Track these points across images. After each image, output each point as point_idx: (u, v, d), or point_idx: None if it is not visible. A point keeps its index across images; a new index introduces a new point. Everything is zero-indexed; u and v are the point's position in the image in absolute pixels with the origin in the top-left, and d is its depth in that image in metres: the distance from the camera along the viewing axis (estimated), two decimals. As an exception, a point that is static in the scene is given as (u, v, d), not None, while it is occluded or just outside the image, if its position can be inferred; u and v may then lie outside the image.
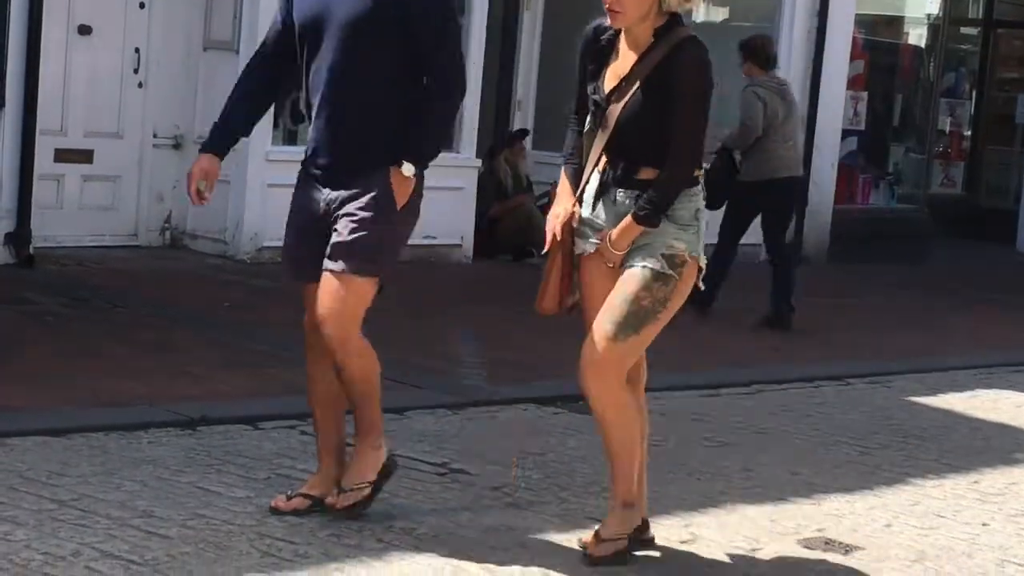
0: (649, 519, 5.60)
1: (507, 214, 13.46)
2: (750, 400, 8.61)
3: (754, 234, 11.74)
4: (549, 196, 13.71)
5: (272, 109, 11.69)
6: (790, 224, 11.68)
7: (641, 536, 5.46)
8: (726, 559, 5.51)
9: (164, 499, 5.57)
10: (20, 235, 10.68)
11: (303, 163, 5.78)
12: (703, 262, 5.42)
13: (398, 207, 5.48)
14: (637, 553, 5.46)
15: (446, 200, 12.96)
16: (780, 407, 8.46)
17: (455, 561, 5.17)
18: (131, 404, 7.02)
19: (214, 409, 6.99)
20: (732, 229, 11.23)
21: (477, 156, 13.14)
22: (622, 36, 5.37)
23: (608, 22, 5.36)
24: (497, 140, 13.85)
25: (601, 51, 5.42)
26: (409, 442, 6.81)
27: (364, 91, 5.46)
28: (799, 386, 9.13)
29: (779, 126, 11.01)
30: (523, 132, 14.16)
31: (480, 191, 13.18)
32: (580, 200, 5.54)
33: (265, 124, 11.77)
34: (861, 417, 8.38)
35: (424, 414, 7.44)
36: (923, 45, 17.81)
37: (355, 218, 5.42)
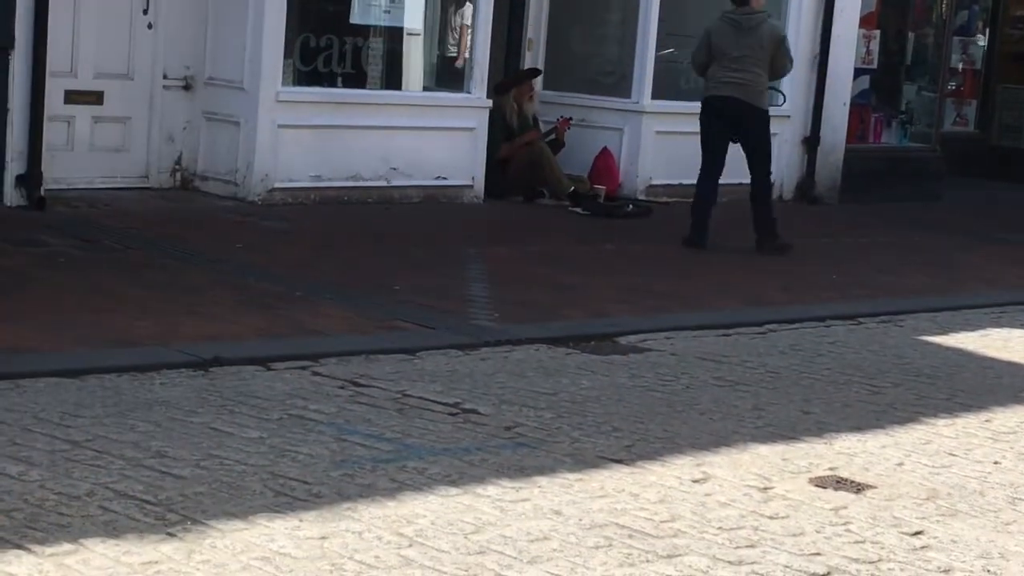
0: (661, 459, 5.60)
1: (517, 153, 13.41)
2: (761, 340, 8.60)
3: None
4: (556, 133, 13.79)
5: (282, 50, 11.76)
6: (758, 145, 11.86)
7: None
8: (738, 497, 5.52)
9: (177, 440, 5.59)
10: (31, 177, 10.68)
11: None
12: None
13: None
14: (647, 493, 5.47)
15: (457, 140, 12.97)
16: (791, 347, 8.46)
17: (467, 500, 5.18)
18: (144, 345, 7.04)
19: (227, 350, 7.00)
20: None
21: (488, 96, 13.09)
22: None
23: None
24: (505, 77, 13.78)
25: None
26: (421, 383, 6.82)
27: None
28: (810, 326, 9.13)
29: (724, 53, 11.59)
30: (535, 72, 14.08)
31: (489, 130, 13.14)
32: None
33: (275, 65, 11.75)
34: (872, 356, 8.38)
35: (436, 355, 7.45)
36: (936, -18, 17.68)
37: None
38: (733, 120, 11.66)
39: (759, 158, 11.81)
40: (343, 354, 7.21)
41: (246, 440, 5.67)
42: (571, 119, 13.85)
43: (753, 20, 11.64)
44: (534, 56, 14.53)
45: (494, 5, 13.03)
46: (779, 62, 11.66)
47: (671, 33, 14.54)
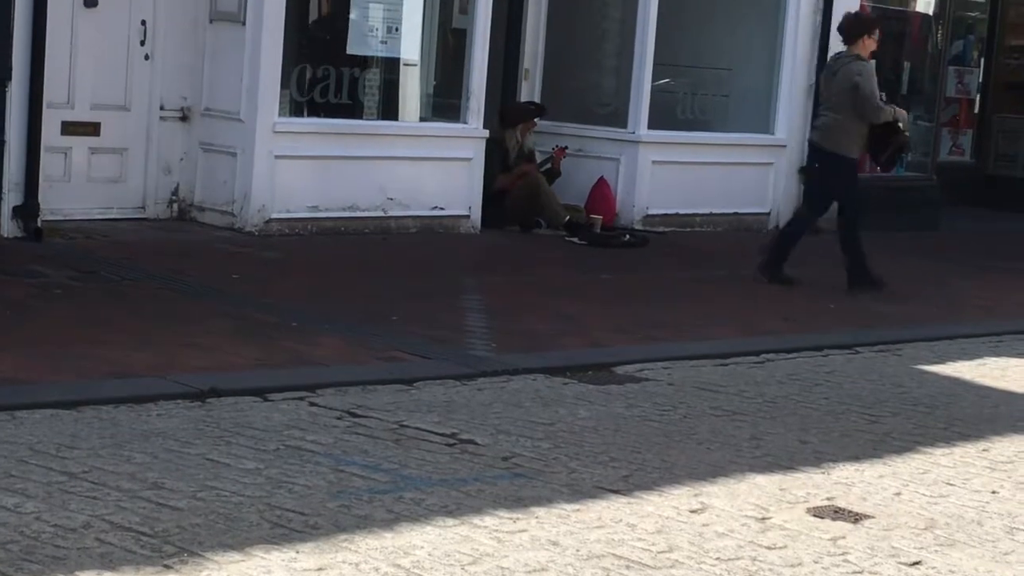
0: (658, 489, 5.59)
1: (514, 184, 13.43)
2: (759, 370, 8.60)
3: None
4: (552, 162, 13.80)
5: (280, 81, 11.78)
6: (814, 189, 12.01)
7: None
8: (736, 528, 5.51)
9: (174, 471, 5.58)
10: (28, 208, 10.69)
11: None
12: None
13: None
14: (645, 523, 5.46)
15: (454, 171, 12.99)
16: (789, 376, 8.45)
17: (464, 531, 5.17)
18: (141, 376, 7.03)
19: (223, 381, 7.00)
20: None
21: (484, 127, 13.10)
22: None
23: None
24: (509, 109, 13.81)
25: None
26: (418, 413, 6.81)
27: None
28: (808, 355, 9.12)
29: (823, 98, 11.83)
30: (542, 109, 14.08)
31: (487, 160, 13.16)
32: None
33: (271, 96, 11.77)
34: (870, 386, 8.37)
35: (433, 385, 7.44)
36: (931, 12, 17.72)
37: None
38: (812, 163, 11.86)
39: (841, 203, 11.72)
40: (340, 385, 7.20)
41: (243, 471, 5.66)
42: (567, 148, 13.89)
43: (839, 63, 11.64)
44: (531, 86, 14.57)
45: (490, 35, 13.06)
46: (860, 106, 11.48)
47: (667, 64, 14.58)
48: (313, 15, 12.92)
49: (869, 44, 11.57)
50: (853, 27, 11.60)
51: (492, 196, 13.25)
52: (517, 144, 13.64)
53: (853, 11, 12.04)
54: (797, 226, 11.85)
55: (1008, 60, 20.38)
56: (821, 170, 11.69)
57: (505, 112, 13.66)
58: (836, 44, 15.12)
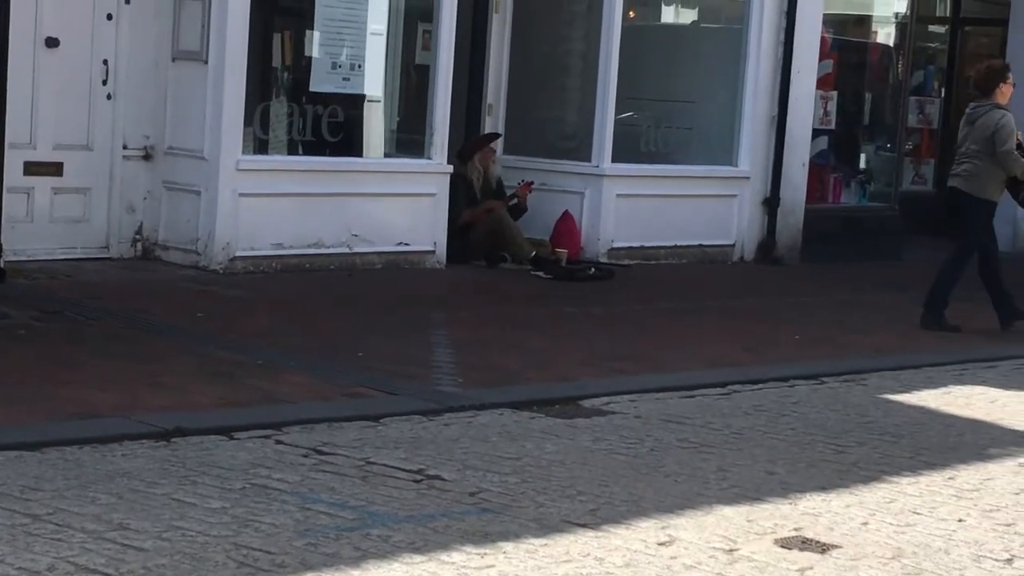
0: (626, 522, 5.59)
1: (479, 219, 13.44)
2: (725, 401, 8.62)
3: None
4: (518, 197, 13.83)
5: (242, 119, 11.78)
6: (963, 231, 12.05)
7: None
8: (704, 560, 5.51)
9: (139, 511, 5.55)
10: (-9, 249, 10.64)
11: None
12: None
13: None
14: (612, 557, 5.45)
15: (418, 206, 13.00)
16: (755, 407, 8.47)
17: (432, 567, 5.16)
18: (105, 416, 6.99)
19: (188, 420, 6.97)
20: None
21: (448, 162, 13.13)
22: None
23: None
24: (466, 142, 13.85)
25: None
26: (385, 449, 6.80)
27: None
28: (774, 386, 9.15)
29: (961, 145, 11.99)
30: (494, 135, 14.16)
31: (452, 195, 13.17)
32: None
33: (235, 134, 11.77)
34: (836, 416, 8.40)
35: (399, 421, 7.43)
36: (892, 43, 17.86)
37: None
38: (952, 210, 11.98)
39: (961, 241, 11.97)
40: (306, 422, 7.18)
41: (209, 511, 5.64)
42: (532, 183, 13.91)
43: (978, 112, 11.87)
44: (494, 121, 14.61)
45: (453, 71, 13.10)
46: (995, 154, 11.71)
47: (630, 97, 14.65)
48: (276, 53, 12.93)
49: (1006, 91, 11.89)
50: (988, 79, 11.93)
51: (458, 231, 13.26)
52: (480, 176, 13.67)
53: (983, 64, 12.36)
54: (953, 270, 11.96)
55: (968, 90, 20.50)
56: (963, 213, 11.86)
57: (461, 149, 13.71)
58: (797, 77, 15.33)
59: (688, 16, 16.85)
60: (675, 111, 15.39)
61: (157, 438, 6.67)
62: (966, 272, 12.00)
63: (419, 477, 6.37)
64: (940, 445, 7.82)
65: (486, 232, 13.40)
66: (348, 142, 12.94)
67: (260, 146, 12.31)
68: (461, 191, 13.38)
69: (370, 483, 6.21)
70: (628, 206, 14.32)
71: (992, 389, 9.57)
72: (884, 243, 16.56)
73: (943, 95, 20.38)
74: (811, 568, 5.52)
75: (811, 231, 15.76)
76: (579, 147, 14.58)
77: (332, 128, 12.65)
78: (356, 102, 13.02)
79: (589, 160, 14.31)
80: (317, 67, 12.56)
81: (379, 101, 13.29)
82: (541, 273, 13.12)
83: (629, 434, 7.54)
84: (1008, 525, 6.36)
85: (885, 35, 18.12)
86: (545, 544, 5.54)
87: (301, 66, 12.66)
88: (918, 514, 6.41)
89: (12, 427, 6.69)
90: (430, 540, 5.47)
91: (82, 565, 4.91)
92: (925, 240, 17.87)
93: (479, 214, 13.48)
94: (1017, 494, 6.91)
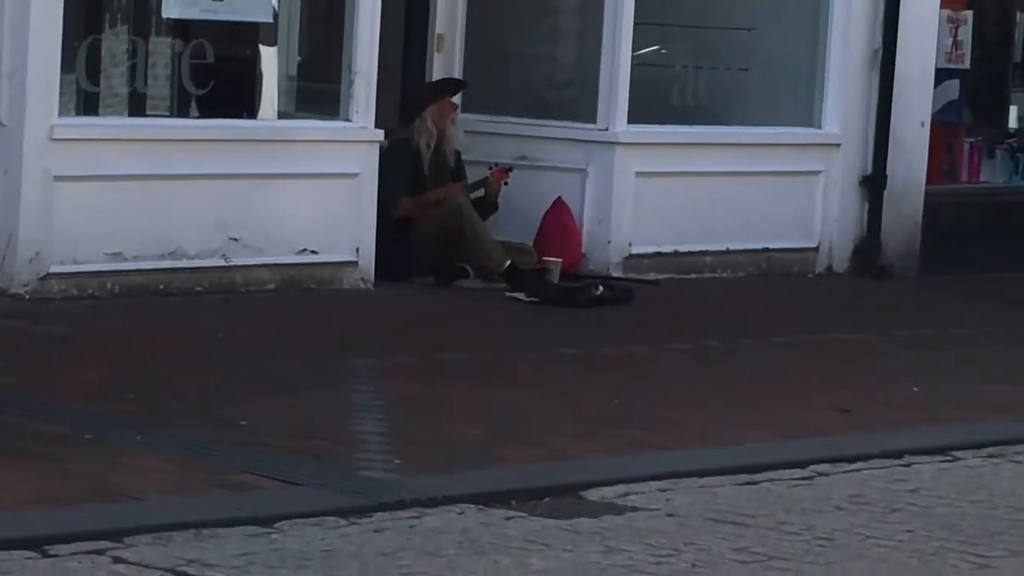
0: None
1: (425, 212, 13.44)
2: (807, 490, 8.63)
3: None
4: (486, 189, 13.80)
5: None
6: None
7: None
8: None
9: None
10: None
11: None
12: None
13: None
14: None
15: (332, 193, 12.98)
16: (852, 499, 8.48)
17: None
18: None
19: (-21, 527, 6.96)
20: None
21: (378, 125, 13.11)
22: None
23: None
24: (411, 91, 13.86)
25: None
26: (283, 570, 6.79)
27: None
28: (880, 464, 9.16)
29: None
30: (455, 82, 14.08)
31: (384, 174, 13.16)
32: None
33: (47, 85, 11.72)
34: (975, 510, 8.41)
35: (305, 526, 7.42)
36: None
37: None
38: None
39: None
40: (160, 529, 7.16)
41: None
42: (511, 169, 13.83)
43: None
44: (447, 61, 14.60)
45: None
46: None
47: (653, 23, 14.67)
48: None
49: None
50: None
51: (394, 227, 13.24)
52: (431, 141, 13.60)
53: None
54: None
55: None
56: None
57: (404, 101, 13.68)
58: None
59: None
60: (724, 44, 15.44)
61: (-69, 556, 6.66)
62: None
63: (336, 612, 6.38)
64: None
65: (437, 232, 13.39)
66: (222, 96, 12.93)
67: (87, 103, 12.30)
68: (402, 167, 13.37)
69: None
70: (654, 191, 14.35)
71: None
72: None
73: None
74: None
75: (936, 226, 15.80)
76: (577, 101, 14.62)
77: (197, 75, 12.64)
78: (234, 35, 13.03)
79: (594, 121, 14.33)
80: (174, -19, 12.59)
81: (270, 33, 13.30)
82: (521, 295, 13.11)
83: (659, 542, 7.54)
84: None
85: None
86: None
87: (149, -20, 12.70)
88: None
89: None
90: None
91: None
92: None
93: (426, 204, 13.47)
94: None
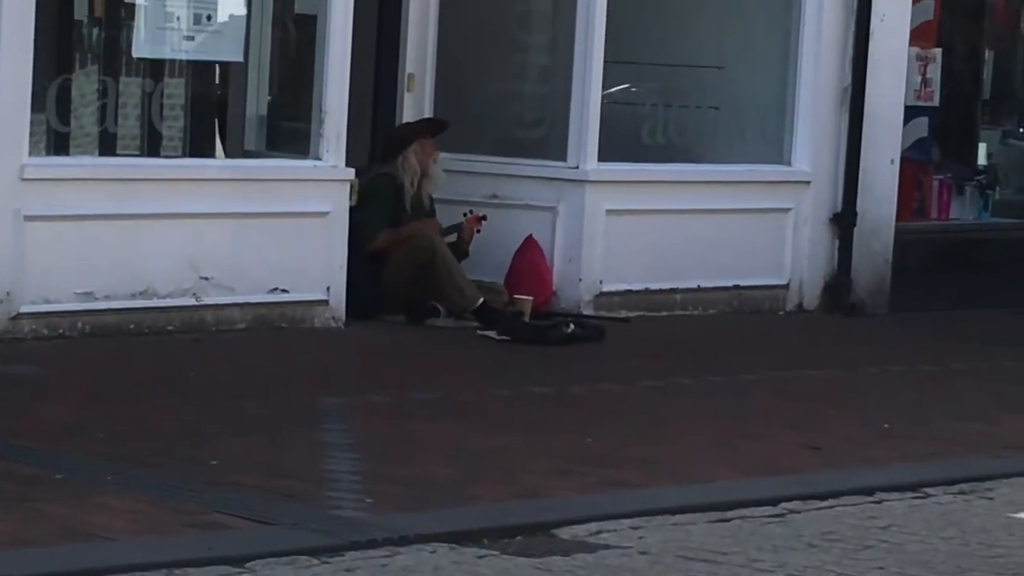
0: None
1: (398, 247, 13.43)
2: (778, 527, 8.63)
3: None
4: (460, 234, 13.81)
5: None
6: None
7: None
8: None
9: None
10: None
11: None
12: None
13: None
14: None
15: (302, 232, 12.98)
16: (824, 535, 8.49)
17: None
18: None
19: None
20: None
21: (349, 163, 13.10)
22: None
23: None
24: (395, 129, 13.86)
25: None
26: (255, 609, 6.80)
27: None
28: (851, 501, 9.17)
29: None
30: (437, 123, 14.05)
31: (367, 206, 13.16)
32: None
33: (18, 124, 11.71)
34: (948, 547, 8.42)
35: (277, 565, 7.41)
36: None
37: None
38: None
39: None
40: (133, 569, 7.15)
41: None
42: (484, 217, 13.84)
43: None
44: (417, 99, 14.60)
45: (354, 23, 13.08)
46: None
47: (624, 61, 14.68)
48: (82, 4, 12.93)
49: None
50: None
51: (368, 261, 13.23)
52: (415, 178, 13.59)
53: None
54: None
55: None
56: None
57: (388, 138, 13.69)
58: (880, 27, 15.40)
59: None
60: (694, 82, 15.46)
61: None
62: None
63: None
64: (1107, 589, 7.86)
65: (409, 267, 13.38)
66: (193, 135, 12.93)
67: (57, 143, 12.28)
68: (385, 200, 13.36)
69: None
70: (624, 228, 14.35)
71: None
72: (1017, 279, 16.60)
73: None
74: None
75: (906, 263, 15.81)
76: (547, 139, 14.62)
77: (168, 114, 12.64)
78: (204, 74, 13.03)
79: (564, 159, 14.34)
80: (144, 21, 12.56)
81: (240, 72, 13.29)
82: (492, 333, 13.12)
83: (631, 580, 7.54)
84: None
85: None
86: None
87: (119, 19, 12.66)
88: None
89: None
90: None
91: None
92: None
93: (401, 239, 13.45)
94: None
